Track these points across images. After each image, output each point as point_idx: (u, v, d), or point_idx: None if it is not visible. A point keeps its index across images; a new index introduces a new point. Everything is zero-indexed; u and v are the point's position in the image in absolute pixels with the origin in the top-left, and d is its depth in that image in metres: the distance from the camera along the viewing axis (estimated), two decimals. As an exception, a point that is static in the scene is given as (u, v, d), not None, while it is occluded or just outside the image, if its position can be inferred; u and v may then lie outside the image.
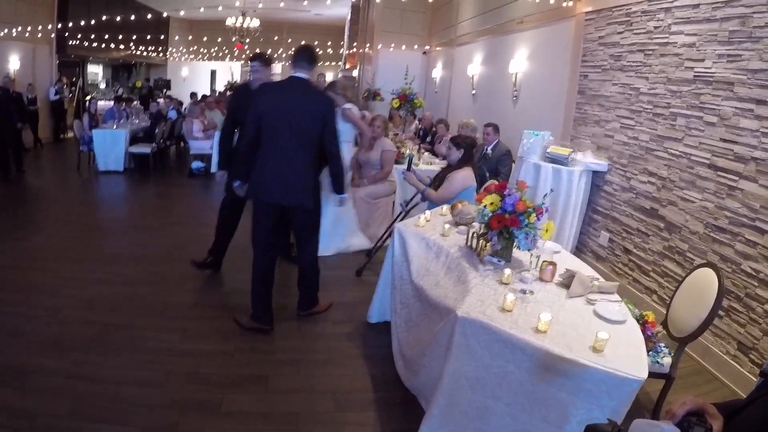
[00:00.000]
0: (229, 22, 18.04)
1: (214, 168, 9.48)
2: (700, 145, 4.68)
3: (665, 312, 3.53)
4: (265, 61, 4.86)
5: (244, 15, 17.47)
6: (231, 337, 4.09)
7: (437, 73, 13.61)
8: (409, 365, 3.33)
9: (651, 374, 2.54)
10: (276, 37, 23.96)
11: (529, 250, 3.24)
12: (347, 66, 19.60)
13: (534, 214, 3.18)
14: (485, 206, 3.23)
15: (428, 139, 9.62)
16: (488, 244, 3.30)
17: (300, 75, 4.03)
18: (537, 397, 2.44)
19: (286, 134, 3.91)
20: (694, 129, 4.74)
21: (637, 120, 5.51)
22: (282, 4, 13.44)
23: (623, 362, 2.35)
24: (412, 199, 5.64)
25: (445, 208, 4.52)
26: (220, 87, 25.88)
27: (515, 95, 8.60)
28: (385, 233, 5.46)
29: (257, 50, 22.88)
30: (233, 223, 5.24)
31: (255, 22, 17.97)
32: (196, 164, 10.08)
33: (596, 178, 6.13)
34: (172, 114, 12.30)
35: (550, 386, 2.40)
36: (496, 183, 3.53)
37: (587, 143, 6.39)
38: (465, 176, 4.99)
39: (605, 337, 2.41)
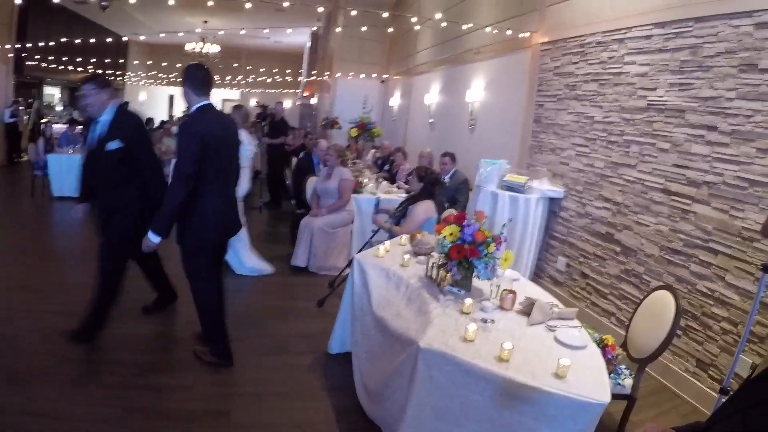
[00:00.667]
0: (189, 47, 17.93)
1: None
2: (653, 171, 4.79)
3: (625, 334, 3.58)
4: (100, 83, 4.03)
5: (204, 40, 17.39)
6: (191, 369, 3.93)
7: (395, 101, 13.70)
8: (372, 396, 3.26)
9: (613, 396, 2.55)
10: (235, 64, 23.91)
11: (488, 279, 3.23)
12: (305, 94, 19.61)
13: (493, 244, 3.18)
14: (444, 237, 3.22)
15: (386, 167, 9.62)
16: (448, 274, 3.28)
17: (210, 102, 3.74)
18: (502, 423, 2.42)
19: (227, 167, 3.75)
20: (648, 155, 4.86)
21: (591, 147, 5.62)
22: (243, 32, 13.43)
23: (586, 387, 2.38)
24: (376, 232, 5.63)
25: (404, 238, 4.50)
26: (178, 113, 25.74)
27: (472, 124, 8.70)
28: (347, 264, 5.36)
29: (216, 76, 23.11)
30: (151, 257, 4.58)
31: (215, 48, 17.91)
32: None
33: (552, 205, 6.21)
34: None
35: (514, 413, 2.39)
36: (455, 213, 3.52)
37: (543, 171, 6.48)
38: (426, 209, 5.04)
39: (567, 363, 2.42)
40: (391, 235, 5.12)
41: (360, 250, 5.80)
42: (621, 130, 5.20)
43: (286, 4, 7.67)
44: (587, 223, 5.64)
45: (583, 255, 5.69)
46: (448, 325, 2.82)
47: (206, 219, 3.67)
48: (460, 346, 2.60)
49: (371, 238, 5.60)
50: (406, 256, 3.87)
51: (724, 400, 2.85)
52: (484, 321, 2.93)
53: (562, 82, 6.20)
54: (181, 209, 3.55)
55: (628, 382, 3.16)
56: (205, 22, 16.12)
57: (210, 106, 3.70)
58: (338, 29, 12.92)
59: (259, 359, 4.20)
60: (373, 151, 10.92)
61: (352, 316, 3.98)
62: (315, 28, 16.99)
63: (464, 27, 8.31)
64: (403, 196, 7.08)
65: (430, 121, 10.85)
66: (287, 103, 20.78)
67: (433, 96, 10.71)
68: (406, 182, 8.01)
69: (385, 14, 9.52)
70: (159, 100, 27.60)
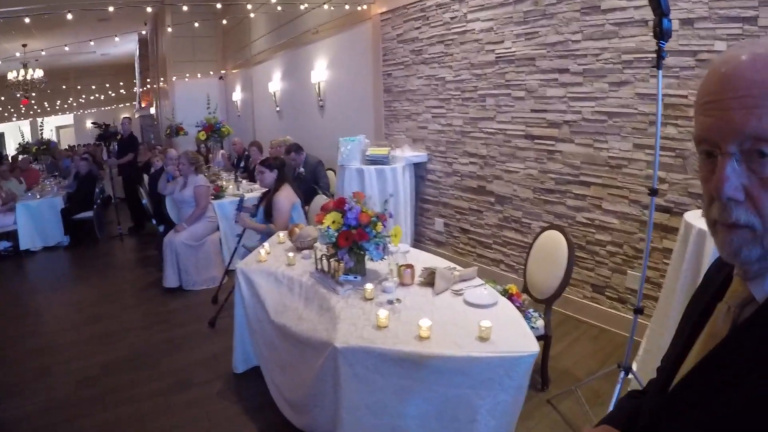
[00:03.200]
0: (11, 76, 16.15)
1: (27, 244, 8.35)
2: (513, 120, 4.90)
3: (523, 279, 3.70)
4: None
5: (26, 66, 15.76)
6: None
7: (237, 96, 13.23)
8: (297, 408, 3.04)
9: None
10: (64, 86, 21.99)
11: (382, 259, 3.10)
12: (143, 105, 18.48)
13: (380, 223, 3.05)
14: (328, 227, 3.03)
15: (242, 164, 9.25)
16: (340, 263, 3.10)
17: None
18: (441, 401, 2.31)
19: None
20: (504, 106, 4.96)
21: (447, 107, 5.66)
22: (67, 48, 12.30)
23: (512, 342, 2.35)
24: (242, 234, 5.36)
25: (282, 234, 4.26)
26: (10, 151, 23.27)
27: (321, 105, 8.54)
28: (224, 274, 5.06)
29: (49, 102, 21.16)
30: None
31: (39, 73, 16.25)
32: (1, 244, 8.54)
33: (418, 170, 6.23)
34: None
35: (450, 388, 2.30)
36: (330, 200, 3.34)
37: (403, 138, 6.47)
38: (287, 195, 4.84)
39: (488, 324, 2.36)
40: (265, 235, 4.85)
41: (231, 257, 5.60)
42: (474, 86, 5.27)
43: (110, 9, 7.00)
44: (457, 180, 5.69)
45: (459, 212, 5.75)
46: (356, 317, 2.65)
47: None
48: (376, 335, 2.44)
49: (239, 242, 5.34)
50: (291, 254, 3.63)
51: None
52: (390, 302, 2.80)
53: (407, 48, 6.17)
54: None
55: (540, 323, 3.34)
56: (24, 45, 14.57)
57: None
58: (168, 29, 12.11)
59: (166, 401, 3.79)
60: (222, 152, 10.44)
61: (250, 329, 3.72)
62: (144, 33, 15.90)
63: (301, 8, 8.03)
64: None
65: (277, 109, 10.57)
66: (126, 116, 19.55)
67: (276, 83, 10.41)
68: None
69: (218, 5, 9.00)
70: None
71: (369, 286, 2.90)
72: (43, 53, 12.25)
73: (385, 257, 3.12)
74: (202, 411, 3.63)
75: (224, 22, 11.86)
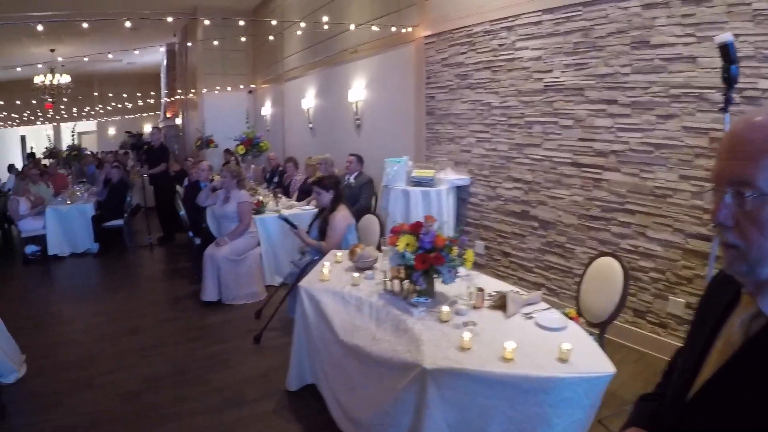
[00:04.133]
0: (38, 80, 16.41)
1: (55, 249, 8.41)
2: (559, 147, 5.03)
3: (576, 303, 3.77)
4: None
5: (53, 72, 16.02)
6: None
7: (267, 110, 13.37)
8: (364, 427, 3.12)
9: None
10: (85, 93, 22.24)
11: (452, 282, 3.21)
12: (168, 115, 18.70)
13: (455, 248, 3.17)
14: (405, 250, 3.15)
15: (275, 180, 9.38)
16: (414, 285, 3.22)
17: None
18: (522, 419, 2.42)
19: None
20: (552, 133, 5.09)
21: (492, 132, 5.80)
22: (86, 59, 12.51)
23: (590, 363, 2.48)
24: (303, 257, 5.46)
25: (339, 254, 4.36)
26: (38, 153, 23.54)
27: (358, 123, 8.68)
28: (286, 295, 5.05)
29: (73, 108, 21.41)
30: None
31: (65, 78, 16.52)
32: (30, 248, 8.54)
33: (460, 193, 6.35)
34: None
35: (533, 406, 2.41)
36: (400, 224, 3.45)
37: (445, 161, 6.59)
38: (344, 216, 4.89)
39: (569, 346, 2.49)
40: (314, 252, 4.93)
41: (296, 281, 5.65)
42: (521, 112, 5.41)
43: (128, 24, 7.15)
44: (500, 204, 5.82)
45: (500, 235, 5.87)
46: (437, 339, 2.76)
47: None
48: (462, 357, 2.56)
49: (303, 265, 5.43)
50: (356, 275, 3.75)
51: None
52: (465, 324, 2.93)
53: (452, 72, 6.33)
54: None
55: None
56: (53, 50, 14.88)
57: None
58: (199, 42, 12.34)
59: (218, 418, 3.73)
60: (253, 166, 10.53)
61: (311, 348, 3.80)
62: (174, 46, 16.10)
63: (351, 27, 8.11)
64: (307, 208, 6.96)
65: (310, 126, 10.71)
66: (147, 127, 19.76)
67: (309, 100, 10.56)
68: (305, 194, 7.88)
69: (242, 22, 9.20)
70: (10, 144, 24.89)
71: (445, 308, 3.02)
72: (60, 59, 12.42)
73: (454, 281, 3.24)
74: (257, 429, 3.59)
75: (243, 38, 11.98)
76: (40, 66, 14.58)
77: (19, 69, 13.31)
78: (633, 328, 4.57)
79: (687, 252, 4.12)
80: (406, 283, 3.27)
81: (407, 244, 3.18)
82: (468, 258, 3.29)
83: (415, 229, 3.21)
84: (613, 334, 4.66)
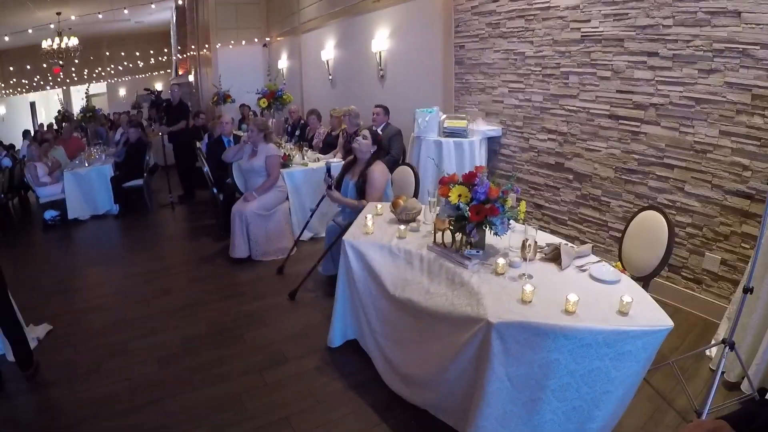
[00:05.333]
0: (45, 44, 16.24)
1: (75, 213, 8.40)
2: (597, 99, 4.95)
3: (618, 256, 3.81)
4: None
5: (60, 35, 15.82)
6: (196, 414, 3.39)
7: (283, 63, 13.22)
8: (416, 383, 3.15)
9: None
10: (93, 55, 22.04)
11: (505, 234, 3.19)
12: (180, 72, 18.52)
13: (509, 198, 3.15)
14: (459, 201, 3.12)
15: (297, 133, 9.31)
16: (467, 237, 3.20)
17: None
18: (583, 373, 2.46)
19: None
20: (589, 84, 5.01)
21: (526, 83, 5.71)
22: (100, 16, 12.35)
23: (648, 316, 2.51)
24: (317, 206, 5.52)
25: (380, 206, 4.34)
26: (43, 119, 23.46)
27: (381, 74, 8.57)
28: (326, 251, 4.96)
29: (82, 71, 21.24)
30: None
31: (73, 41, 16.31)
32: (49, 214, 8.47)
33: (492, 144, 6.29)
34: (6, 162, 10.45)
35: (594, 360, 2.44)
36: (448, 175, 3.40)
37: (476, 111, 6.51)
38: (382, 170, 4.82)
39: (629, 300, 2.50)
40: (354, 212, 4.77)
41: (303, 229, 5.87)
42: (556, 62, 5.31)
43: None
44: (533, 156, 5.77)
45: (533, 187, 5.84)
46: (496, 292, 2.77)
47: None
48: (525, 310, 2.57)
49: (311, 215, 5.59)
50: (401, 227, 3.74)
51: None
52: (521, 277, 2.93)
53: (483, 21, 6.19)
54: None
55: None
56: (59, 14, 14.65)
57: None
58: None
59: (261, 378, 3.71)
60: (272, 120, 10.41)
61: (354, 303, 3.81)
62: (184, 1, 15.85)
63: None
64: (334, 160, 6.83)
65: (330, 78, 10.59)
66: (158, 86, 19.61)
67: (329, 52, 10.42)
68: (329, 147, 7.84)
69: None
70: (21, 111, 24.91)
71: (501, 260, 3.03)
72: (73, 18, 12.23)
73: (507, 232, 3.21)
74: (303, 387, 3.57)
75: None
76: (51, 27, 14.39)
77: (30, 31, 13.11)
78: (667, 282, 4.58)
79: (725, 208, 4.11)
80: (458, 235, 3.25)
81: (460, 195, 3.15)
82: (521, 209, 3.27)
83: (469, 179, 3.17)
84: (650, 290, 4.68)
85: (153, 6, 13.25)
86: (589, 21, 4.91)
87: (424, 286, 3.21)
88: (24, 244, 7.79)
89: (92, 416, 3.37)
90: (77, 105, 22.34)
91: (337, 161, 6.66)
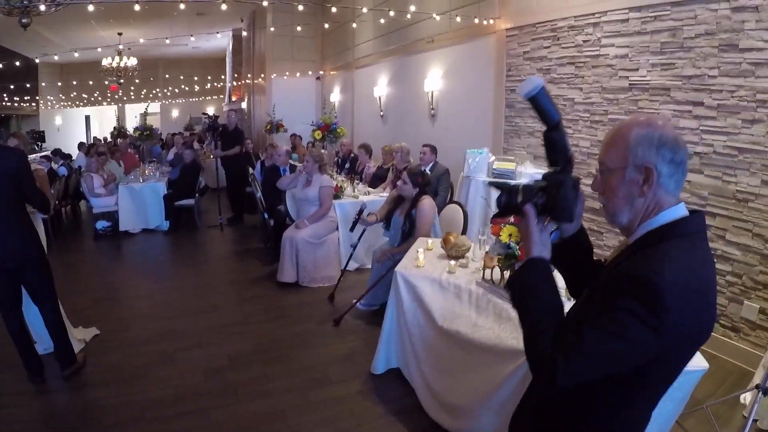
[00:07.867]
0: (106, 62, 17.08)
1: (126, 226, 8.80)
2: (643, 146, 5.06)
3: None
4: None
5: (120, 54, 16.62)
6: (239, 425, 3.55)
7: (335, 97, 13.61)
8: (457, 412, 3.29)
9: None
10: (152, 77, 22.99)
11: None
12: (233, 99, 19.17)
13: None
14: (510, 240, 3.30)
15: (347, 166, 9.60)
16: (514, 274, 3.36)
17: None
18: None
19: None
20: (636, 132, 5.13)
21: (575, 128, 5.88)
22: (168, 41, 12.95)
23: None
24: (359, 241, 5.79)
25: (431, 242, 4.54)
26: (97, 133, 24.48)
27: (432, 113, 8.83)
28: (378, 280, 5.10)
29: (139, 90, 22.14)
30: None
31: (132, 61, 17.14)
32: (101, 224, 8.99)
33: (540, 186, 6.41)
34: (63, 170, 11.05)
35: None
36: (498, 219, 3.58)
37: (524, 154, 6.70)
38: (431, 204, 5.05)
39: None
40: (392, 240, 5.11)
41: (348, 260, 6.03)
42: (604, 109, 5.49)
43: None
44: (578, 200, 5.89)
45: (578, 230, 5.94)
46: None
47: None
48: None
49: (354, 249, 5.84)
50: (452, 263, 3.93)
51: None
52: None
53: (534, 66, 6.43)
54: None
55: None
56: (120, 34, 15.44)
57: None
58: (272, 29, 12.65)
59: (305, 397, 3.84)
60: (324, 152, 10.67)
61: (403, 332, 3.96)
62: (241, 31, 16.47)
63: (411, 15, 8.29)
64: (384, 194, 7.09)
65: (381, 113, 10.91)
66: (210, 110, 20.25)
67: (381, 88, 10.75)
68: (379, 180, 8.09)
69: (333, 8, 9.23)
70: (76, 123, 26.17)
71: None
72: (141, 41, 12.81)
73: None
74: (345, 409, 3.67)
75: (326, 26, 12.10)
76: (120, 47, 15.08)
77: (99, 50, 13.78)
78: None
79: (765, 257, 4.17)
80: (506, 272, 3.43)
81: (510, 235, 3.34)
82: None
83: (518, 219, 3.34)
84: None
85: (219, 35, 13.79)
86: (637, 70, 5.10)
87: (472, 320, 3.38)
88: (74, 251, 8.18)
89: (137, 419, 3.53)
90: (130, 122, 23.32)
91: (386, 195, 6.89)
